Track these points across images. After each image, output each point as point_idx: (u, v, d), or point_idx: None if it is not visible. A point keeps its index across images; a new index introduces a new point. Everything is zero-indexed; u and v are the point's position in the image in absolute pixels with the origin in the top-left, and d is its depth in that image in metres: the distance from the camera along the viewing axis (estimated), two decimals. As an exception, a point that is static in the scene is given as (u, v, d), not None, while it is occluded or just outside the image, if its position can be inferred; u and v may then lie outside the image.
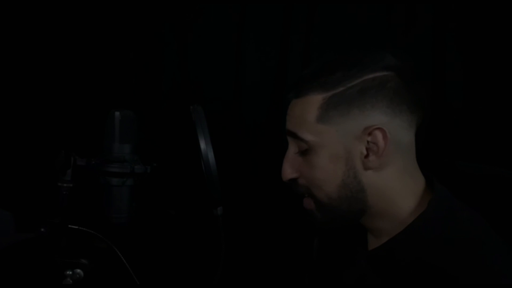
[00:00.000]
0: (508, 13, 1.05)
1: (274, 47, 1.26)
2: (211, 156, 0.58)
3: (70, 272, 0.63)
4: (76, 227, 0.66)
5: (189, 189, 1.18)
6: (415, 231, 0.61)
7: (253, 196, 1.24)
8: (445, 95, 1.10)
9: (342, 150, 0.62)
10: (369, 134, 0.61)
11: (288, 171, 0.67)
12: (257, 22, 1.26)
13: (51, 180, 0.65)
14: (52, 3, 1.29)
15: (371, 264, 0.67)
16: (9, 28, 1.28)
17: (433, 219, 0.61)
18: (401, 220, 0.63)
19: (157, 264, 1.13)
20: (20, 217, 0.66)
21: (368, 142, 0.62)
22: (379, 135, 0.61)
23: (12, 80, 1.29)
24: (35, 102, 1.29)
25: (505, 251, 0.59)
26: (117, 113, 0.67)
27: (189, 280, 1.17)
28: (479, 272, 0.55)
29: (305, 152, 0.64)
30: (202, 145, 0.58)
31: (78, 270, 0.64)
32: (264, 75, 1.27)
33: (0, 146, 1.25)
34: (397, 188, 0.63)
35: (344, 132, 0.62)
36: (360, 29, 1.17)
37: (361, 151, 0.62)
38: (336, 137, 0.62)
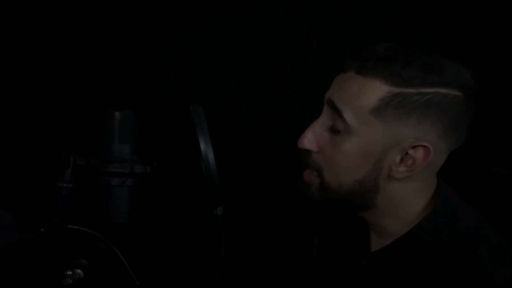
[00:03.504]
0: (508, 13, 1.05)
1: (274, 47, 1.26)
2: (211, 156, 0.58)
3: (70, 272, 0.63)
4: (76, 227, 0.66)
5: (189, 189, 1.18)
6: (417, 233, 0.61)
7: (253, 196, 1.24)
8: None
9: (379, 150, 0.58)
10: (413, 147, 0.58)
11: (309, 141, 0.62)
12: (257, 22, 1.26)
13: (51, 180, 0.65)
14: (52, 3, 1.29)
15: (372, 265, 0.66)
16: (9, 28, 1.28)
17: (436, 221, 0.61)
18: (407, 221, 0.62)
19: (157, 264, 1.13)
20: (20, 217, 0.66)
21: (407, 153, 0.58)
22: (422, 153, 0.58)
23: (12, 80, 1.28)
24: (35, 102, 1.29)
25: (505, 251, 0.59)
26: (117, 113, 0.67)
27: (189, 280, 1.17)
28: (478, 272, 0.55)
29: (338, 132, 0.60)
30: (202, 145, 0.58)
31: (78, 270, 0.64)
32: (264, 75, 1.27)
33: (0, 146, 1.25)
34: (409, 198, 0.62)
35: (391, 134, 0.58)
36: (360, 29, 1.17)
37: (395, 158, 0.59)
38: (380, 136, 0.58)
